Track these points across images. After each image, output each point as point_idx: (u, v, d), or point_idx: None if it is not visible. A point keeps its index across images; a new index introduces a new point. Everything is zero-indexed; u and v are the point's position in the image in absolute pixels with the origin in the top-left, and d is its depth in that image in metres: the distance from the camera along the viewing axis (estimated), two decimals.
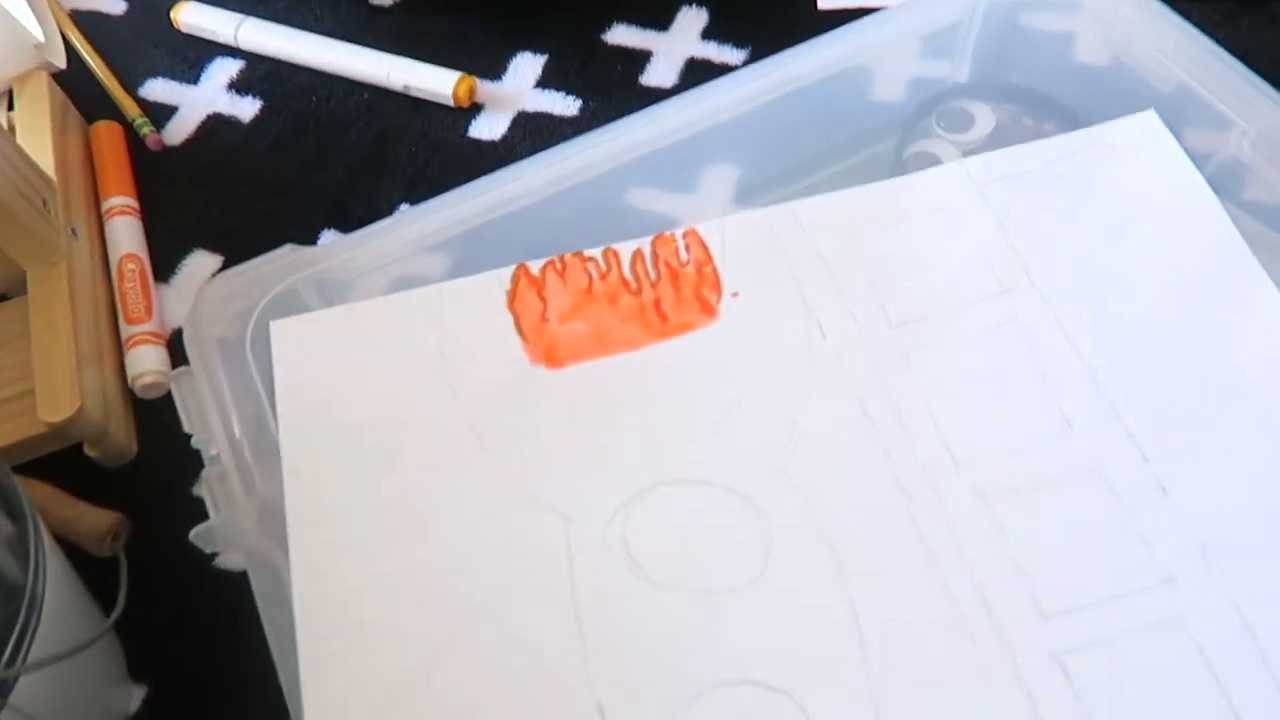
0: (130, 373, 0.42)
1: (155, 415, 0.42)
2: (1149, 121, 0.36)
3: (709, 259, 0.34)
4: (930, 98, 0.45)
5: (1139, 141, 0.36)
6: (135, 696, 0.36)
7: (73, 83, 0.51)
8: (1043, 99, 0.44)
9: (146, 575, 0.36)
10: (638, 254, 0.35)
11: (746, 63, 0.52)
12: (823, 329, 0.33)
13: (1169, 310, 0.33)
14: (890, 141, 0.45)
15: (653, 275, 0.34)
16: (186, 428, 0.35)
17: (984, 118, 0.44)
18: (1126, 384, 0.31)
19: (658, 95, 0.49)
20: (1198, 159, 0.37)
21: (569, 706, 0.27)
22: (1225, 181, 0.37)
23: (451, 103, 0.50)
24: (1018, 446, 0.30)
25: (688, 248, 0.35)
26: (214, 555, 0.37)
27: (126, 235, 0.46)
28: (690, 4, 0.54)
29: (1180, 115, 0.38)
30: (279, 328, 0.34)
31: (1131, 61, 0.40)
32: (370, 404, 0.32)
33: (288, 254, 0.37)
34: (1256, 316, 0.32)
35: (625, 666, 0.28)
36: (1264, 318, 0.32)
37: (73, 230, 0.43)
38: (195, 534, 0.32)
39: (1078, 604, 0.28)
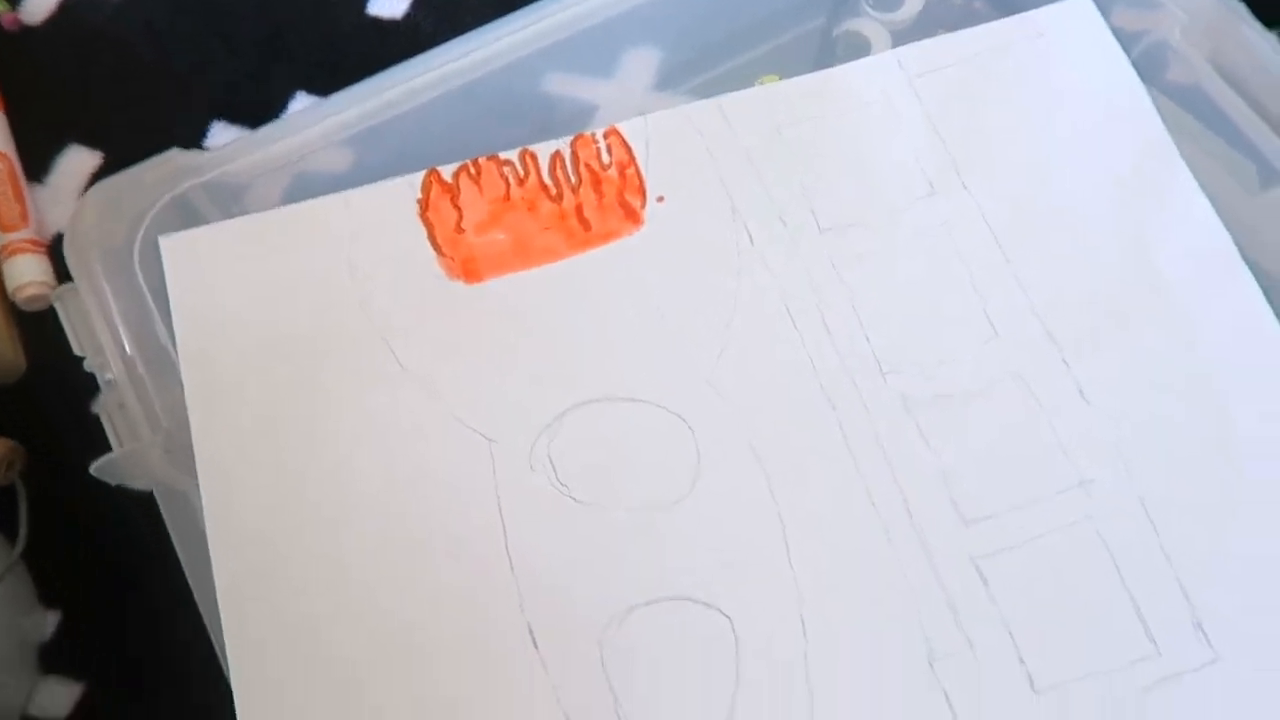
0: (10, 285, 0.39)
1: (43, 328, 0.39)
2: (1082, 7, 0.35)
3: (632, 160, 0.33)
4: None
5: (1071, 28, 0.35)
6: (50, 622, 0.35)
7: None
8: None
9: (48, 501, 0.35)
10: (557, 156, 0.33)
11: None
12: (750, 235, 0.32)
13: (1094, 208, 0.32)
14: (819, 19, 0.43)
15: (573, 179, 0.33)
16: (76, 350, 0.32)
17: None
18: (1050, 286, 0.31)
19: None
20: (1128, 38, 0.36)
21: (499, 630, 0.27)
22: (1152, 65, 0.37)
23: None
24: (944, 354, 0.30)
25: (609, 149, 0.33)
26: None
27: None
28: None
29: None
30: (170, 243, 0.31)
31: None
32: (276, 325, 0.30)
33: (175, 157, 0.34)
34: (1177, 213, 0.33)
35: (554, 587, 0.28)
36: (1184, 214, 0.33)
37: None
38: (97, 467, 0.30)
39: (997, 510, 0.28)
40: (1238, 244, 0.33)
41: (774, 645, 0.27)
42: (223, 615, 0.28)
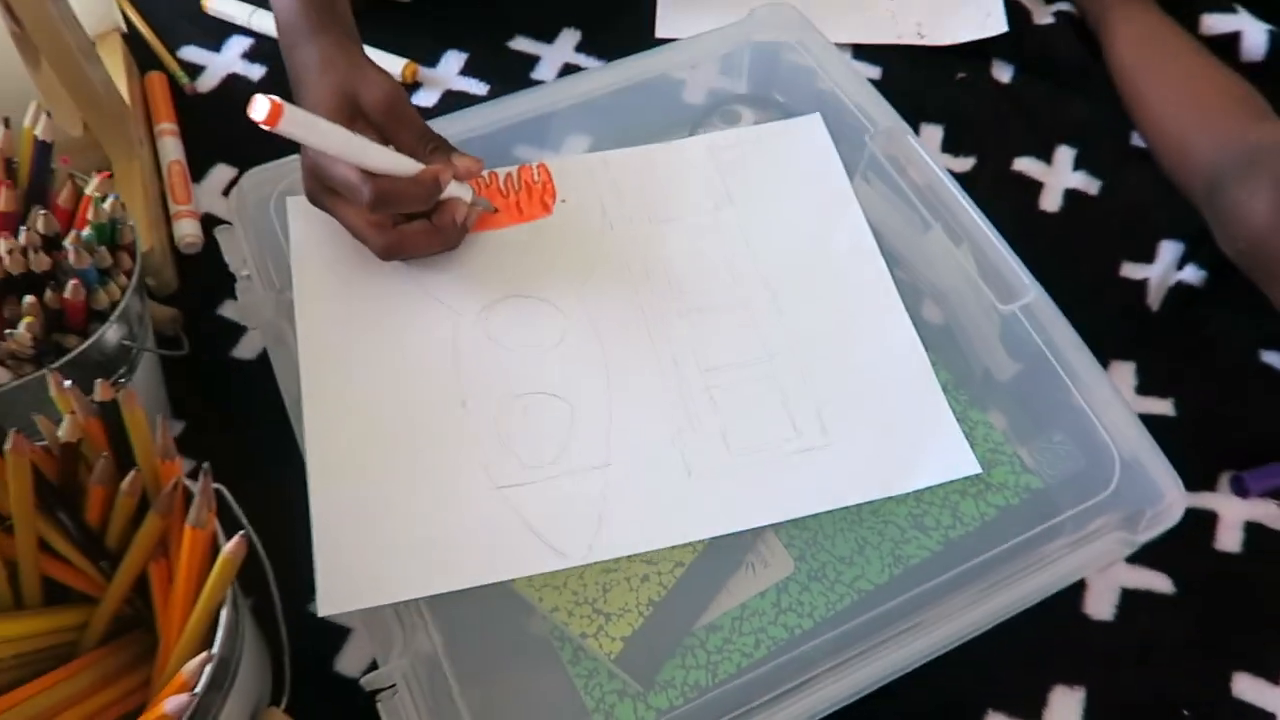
0: (176, 235, 0.64)
1: (192, 265, 0.64)
2: (815, 121, 0.62)
3: (549, 180, 0.59)
4: (719, 101, 0.69)
5: (807, 132, 0.61)
6: (175, 428, 0.58)
7: (130, 44, 0.73)
8: (784, 106, 0.68)
9: (186, 361, 0.58)
10: (509, 175, 0.59)
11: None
12: (612, 224, 0.57)
13: (804, 224, 0.58)
14: (688, 127, 0.69)
15: (517, 187, 0.58)
16: (227, 259, 0.57)
17: (747, 116, 0.69)
18: (769, 260, 0.56)
19: None
20: (841, 136, 0.62)
21: (450, 402, 0.51)
22: (854, 153, 0.62)
23: (401, 80, 0.73)
24: (706, 288, 0.55)
25: (538, 172, 0.59)
26: (233, 345, 0.59)
27: (173, 148, 0.67)
28: (570, 26, 0.78)
29: (846, 120, 0.63)
30: (293, 201, 0.56)
31: (836, 89, 0.65)
32: (351, 251, 0.55)
33: (294, 159, 0.59)
34: (848, 226, 0.58)
35: (480, 384, 0.51)
36: (851, 226, 0.58)
37: (140, 140, 0.65)
38: (233, 309, 0.54)
39: (721, 365, 0.52)
40: (910, 263, 0.57)
41: (592, 419, 0.50)
42: (305, 417, 0.49)
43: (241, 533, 0.37)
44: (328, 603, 0.44)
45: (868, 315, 0.55)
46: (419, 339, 0.53)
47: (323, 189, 0.51)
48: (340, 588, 0.45)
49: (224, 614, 0.38)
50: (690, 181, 0.59)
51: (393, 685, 0.43)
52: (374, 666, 0.44)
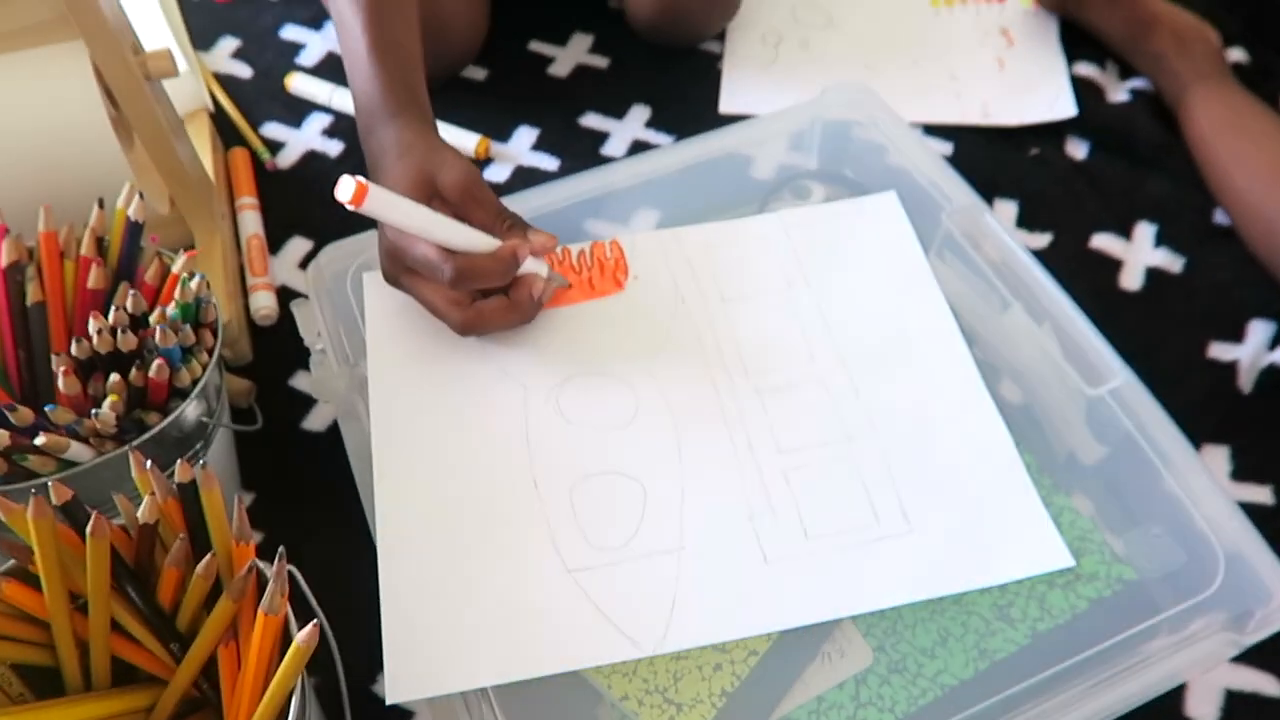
0: (253, 307, 0.65)
1: (265, 336, 0.65)
2: (890, 198, 0.61)
3: (622, 255, 0.58)
4: (789, 177, 0.69)
5: (882, 209, 0.60)
6: (247, 499, 0.59)
7: (216, 122, 0.75)
8: (854, 183, 0.68)
9: (258, 433, 0.58)
10: (582, 251, 0.59)
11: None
12: (683, 298, 0.57)
13: (880, 304, 0.57)
14: (757, 203, 0.69)
15: (589, 263, 0.58)
16: (302, 333, 0.57)
17: (817, 192, 0.69)
18: (846, 337, 0.55)
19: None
20: (917, 214, 0.61)
21: (520, 480, 0.50)
22: (930, 230, 0.61)
23: (474, 156, 0.74)
24: (781, 367, 0.54)
25: (611, 249, 0.59)
26: (304, 417, 0.60)
27: (252, 222, 0.69)
28: (639, 103, 0.79)
29: (919, 197, 0.63)
30: (370, 277, 0.57)
31: (909, 166, 0.64)
32: (425, 328, 0.55)
33: (374, 234, 0.60)
34: (925, 303, 0.57)
35: (551, 463, 0.51)
36: (929, 303, 0.57)
37: (222, 215, 0.67)
38: (306, 382, 0.54)
39: (799, 446, 0.51)
40: (988, 342, 0.56)
41: (665, 500, 0.49)
42: (376, 493, 0.49)
43: (315, 622, 0.36)
44: (396, 690, 0.43)
45: (948, 396, 0.53)
46: (491, 417, 0.52)
47: (402, 269, 0.52)
48: (409, 673, 0.44)
49: (294, 702, 0.37)
50: (763, 259, 0.59)
51: None
52: None
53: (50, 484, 0.37)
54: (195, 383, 0.47)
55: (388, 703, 0.43)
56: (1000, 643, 0.49)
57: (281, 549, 0.38)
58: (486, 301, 0.52)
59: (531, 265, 0.52)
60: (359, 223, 0.56)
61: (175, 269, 0.48)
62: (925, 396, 0.53)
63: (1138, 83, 0.78)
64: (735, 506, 0.49)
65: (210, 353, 0.48)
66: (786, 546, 0.48)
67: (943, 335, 0.55)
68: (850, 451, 0.51)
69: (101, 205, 0.49)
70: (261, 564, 0.40)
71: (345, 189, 0.44)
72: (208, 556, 0.38)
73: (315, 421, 0.61)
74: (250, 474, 0.59)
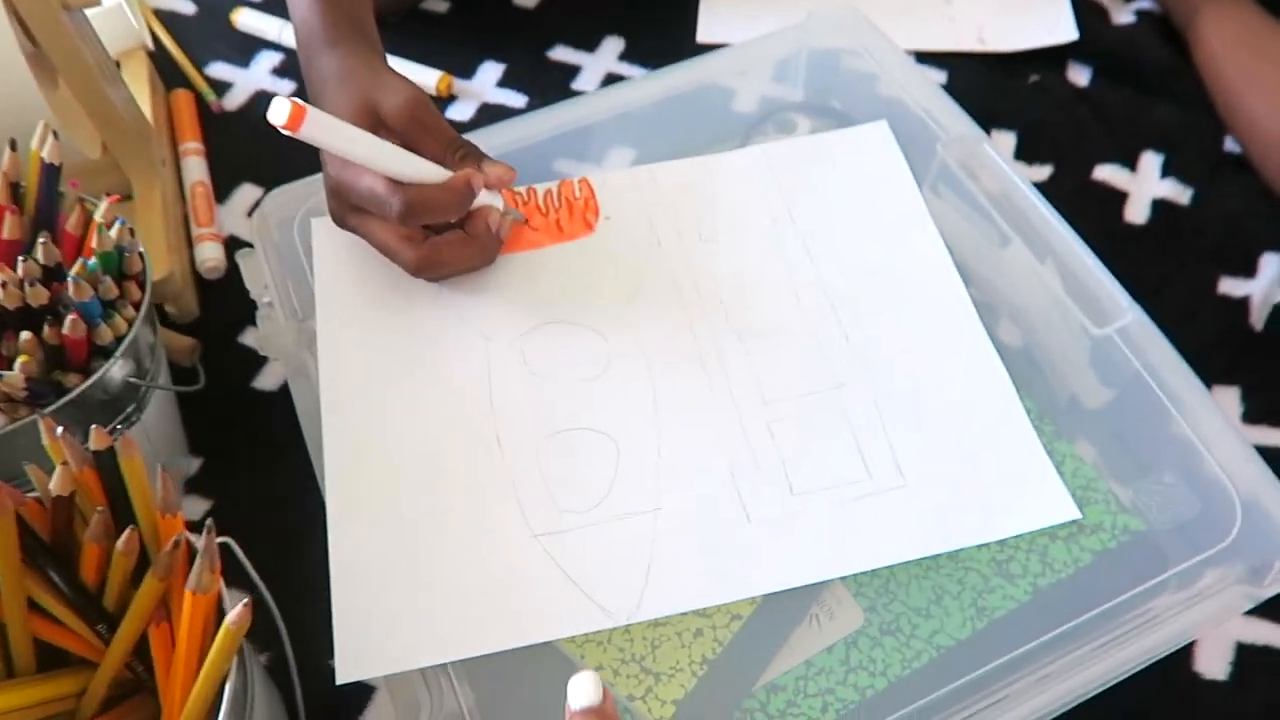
0: (198, 259, 0.61)
1: (214, 290, 0.61)
2: (881, 128, 0.56)
3: (592, 195, 0.54)
4: (773, 110, 0.65)
5: (873, 140, 0.56)
6: (194, 465, 0.55)
7: (156, 61, 0.70)
8: (843, 115, 0.64)
9: (205, 394, 0.54)
10: (548, 191, 0.54)
11: None
12: (659, 239, 0.52)
13: (869, 238, 0.53)
14: (739, 139, 0.64)
15: (557, 204, 0.54)
16: (248, 285, 0.53)
17: (803, 125, 0.64)
18: (835, 278, 0.51)
19: None
20: (910, 147, 0.57)
21: (483, 438, 0.46)
22: (925, 164, 0.57)
23: (435, 93, 0.69)
24: (765, 310, 0.50)
25: (580, 187, 0.54)
26: (255, 376, 0.56)
27: (197, 169, 0.64)
28: (612, 34, 0.74)
29: (913, 128, 0.58)
30: (319, 222, 0.53)
31: (903, 95, 0.60)
32: (379, 275, 0.51)
33: (321, 178, 0.55)
34: (920, 241, 0.53)
35: (516, 419, 0.47)
36: (923, 241, 0.53)
37: (163, 160, 0.62)
38: (252, 338, 0.50)
39: (785, 395, 0.47)
40: (986, 280, 0.52)
41: (640, 457, 0.46)
42: (325, 446, 0.46)
43: (247, 600, 0.33)
44: (347, 669, 0.40)
45: (944, 339, 0.49)
46: (450, 370, 0.48)
47: (348, 207, 0.48)
48: (360, 652, 0.40)
49: (228, 688, 0.34)
50: (745, 195, 0.54)
51: None
52: None
53: None
54: (120, 340, 0.42)
55: (337, 682, 0.40)
56: (999, 600, 0.46)
57: (210, 522, 0.34)
58: (441, 237, 0.48)
59: (486, 198, 0.48)
60: (310, 167, 0.52)
61: (96, 216, 0.44)
62: (919, 340, 0.49)
63: (1143, 3, 0.73)
64: (716, 462, 0.46)
65: (137, 307, 0.44)
66: (771, 504, 0.45)
67: (938, 274, 0.51)
68: (839, 399, 0.47)
69: (14, 147, 0.45)
70: (193, 537, 0.36)
71: (279, 112, 0.40)
72: (128, 531, 0.35)
73: (268, 380, 0.57)
74: (199, 438, 0.55)
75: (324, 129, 0.42)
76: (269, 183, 0.65)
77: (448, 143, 0.48)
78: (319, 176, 0.54)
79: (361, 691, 0.47)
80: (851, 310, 0.50)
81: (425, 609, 0.42)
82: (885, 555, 0.44)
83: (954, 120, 0.57)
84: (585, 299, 0.51)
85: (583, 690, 0.36)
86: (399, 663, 0.40)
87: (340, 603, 0.41)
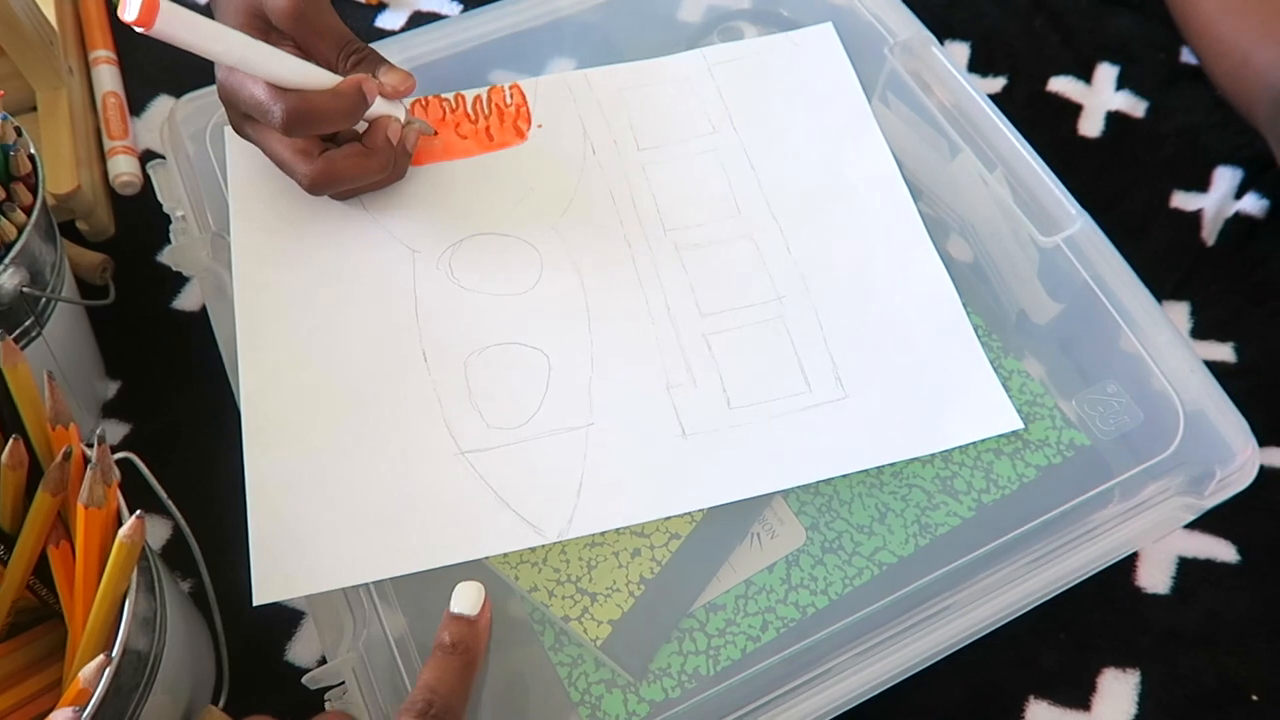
0: (111, 174, 0.57)
1: (129, 207, 0.57)
2: (827, 30, 0.54)
3: (524, 102, 0.51)
4: (719, 18, 0.62)
5: (818, 43, 0.54)
6: (111, 388, 0.52)
7: None
8: (791, 22, 0.61)
9: (120, 309, 0.52)
10: (477, 98, 0.52)
11: None
12: (594, 148, 0.50)
13: (816, 148, 0.51)
14: (682, 48, 0.61)
15: (487, 111, 0.51)
16: (161, 199, 0.50)
17: (750, 34, 0.62)
18: (777, 188, 0.49)
19: None
20: (857, 53, 0.55)
21: (408, 355, 0.44)
22: (872, 71, 0.55)
23: (363, 0, 0.66)
24: (705, 221, 0.48)
25: (511, 94, 0.52)
26: (174, 297, 0.53)
27: (109, 78, 0.60)
28: None
29: (863, 34, 0.56)
30: (230, 131, 0.49)
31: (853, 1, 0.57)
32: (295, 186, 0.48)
33: None
34: (867, 150, 0.51)
35: (442, 334, 0.45)
36: (870, 150, 0.51)
37: (70, 69, 0.58)
38: (166, 253, 0.47)
39: (723, 309, 0.46)
40: (934, 193, 0.50)
41: (572, 372, 0.44)
42: (240, 361, 0.44)
43: (139, 512, 0.30)
44: (263, 590, 0.38)
45: (890, 251, 0.48)
46: (374, 285, 0.46)
47: (240, 116, 0.45)
48: (278, 571, 0.38)
49: (127, 606, 0.32)
50: (684, 101, 0.52)
51: (341, 683, 0.37)
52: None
53: None
54: (9, 246, 0.39)
55: (254, 603, 0.38)
56: (943, 516, 0.45)
57: (100, 430, 0.32)
58: (338, 150, 0.45)
59: (385, 108, 0.45)
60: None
61: None
62: (865, 252, 0.47)
63: None
64: (651, 376, 0.44)
65: (28, 212, 0.41)
66: (708, 419, 0.43)
67: (885, 184, 0.50)
68: (780, 312, 0.46)
69: None
70: (89, 451, 0.34)
71: (131, 6, 0.37)
72: (11, 440, 0.32)
73: (187, 300, 0.54)
74: (116, 362, 0.52)
75: (183, 25, 0.38)
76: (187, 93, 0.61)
77: (339, 45, 0.44)
78: None
79: (289, 618, 0.46)
80: (794, 221, 0.48)
81: (346, 529, 0.40)
82: (825, 469, 0.42)
83: (904, 25, 0.54)
84: (517, 210, 0.48)
85: (464, 598, 0.36)
86: (318, 583, 0.38)
87: (257, 521, 0.40)
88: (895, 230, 0.48)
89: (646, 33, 0.60)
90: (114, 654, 0.31)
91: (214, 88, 0.51)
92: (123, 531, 0.31)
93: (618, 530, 0.42)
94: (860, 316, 0.46)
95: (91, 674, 0.30)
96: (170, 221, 0.49)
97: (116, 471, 0.33)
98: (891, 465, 0.44)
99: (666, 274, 0.46)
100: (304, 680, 0.37)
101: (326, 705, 0.37)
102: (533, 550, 0.42)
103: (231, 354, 0.45)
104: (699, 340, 0.45)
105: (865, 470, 0.43)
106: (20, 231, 0.40)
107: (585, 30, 0.57)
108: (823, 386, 0.44)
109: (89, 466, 0.32)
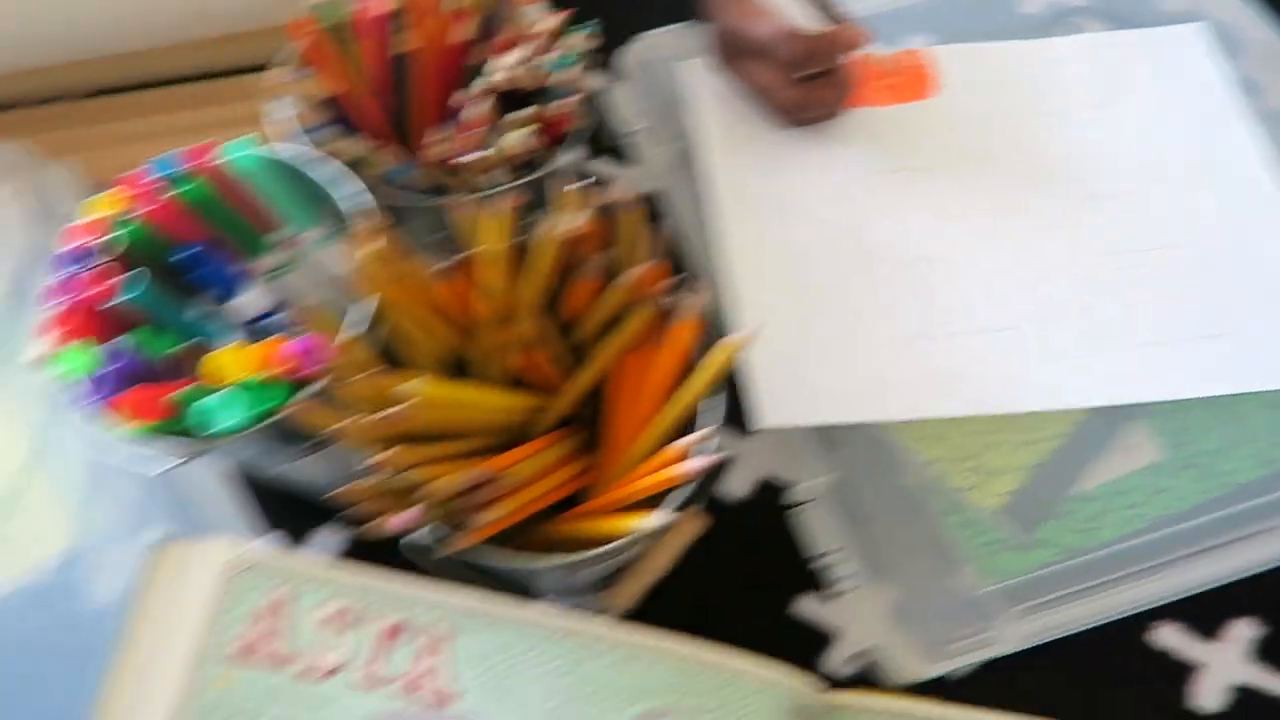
0: None
1: None
2: (1199, 29, 0.62)
3: (929, 64, 0.61)
4: (1060, 14, 0.69)
5: (1191, 40, 0.62)
6: None
7: None
8: (1128, 20, 0.67)
9: None
10: (885, 57, 0.61)
11: None
12: (993, 114, 0.59)
13: (1188, 129, 0.59)
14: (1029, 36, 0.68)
15: (893, 69, 0.61)
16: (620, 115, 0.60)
17: (1091, 27, 0.69)
18: (1157, 161, 0.58)
19: None
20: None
21: (856, 262, 0.54)
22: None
23: None
24: (1100, 179, 0.57)
25: (919, 57, 0.61)
26: None
27: None
28: None
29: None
30: (684, 67, 0.60)
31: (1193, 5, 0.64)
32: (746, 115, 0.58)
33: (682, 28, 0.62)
34: (1238, 144, 0.58)
35: (882, 248, 0.54)
36: (1242, 145, 0.58)
37: None
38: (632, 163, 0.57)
39: (1121, 250, 0.55)
40: None
41: (992, 286, 0.53)
42: (727, 243, 0.54)
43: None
44: (769, 417, 0.48)
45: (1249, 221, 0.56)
46: (816, 199, 0.56)
47: (736, 51, 0.55)
48: (778, 407, 0.48)
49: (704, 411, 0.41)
50: (1069, 80, 0.61)
51: (812, 499, 0.47)
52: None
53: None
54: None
55: (760, 426, 0.48)
56: None
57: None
58: (811, 83, 0.56)
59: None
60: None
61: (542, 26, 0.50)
62: (1250, 216, 0.56)
63: None
64: (1060, 297, 0.53)
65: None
66: (1105, 337, 0.52)
67: (1255, 170, 0.57)
68: (1173, 258, 0.54)
69: None
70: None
71: None
72: (636, 268, 0.42)
73: None
74: None
75: None
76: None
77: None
78: (677, 27, 0.61)
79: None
80: (1177, 188, 0.57)
81: (826, 381, 0.50)
82: (1202, 388, 0.50)
83: (1257, 30, 0.61)
84: (934, 152, 0.58)
85: None
86: (809, 418, 0.48)
87: (760, 367, 0.50)
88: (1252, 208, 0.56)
89: (990, 22, 0.66)
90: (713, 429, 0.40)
91: (667, 30, 0.62)
92: (728, 339, 0.40)
93: (1010, 424, 0.51)
94: (1244, 265, 0.54)
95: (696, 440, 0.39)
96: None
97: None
98: (1259, 395, 0.51)
99: (1070, 218, 0.56)
100: (793, 492, 0.46)
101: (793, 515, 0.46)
102: (936, 428, 0.51)
103: (699, 242, 0.55)
104: (1099, 272, 0.54)
105: (1225, 403, 0.51)
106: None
107: (935, 14, 0.65)
108: (1206, 320, 0.52)
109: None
